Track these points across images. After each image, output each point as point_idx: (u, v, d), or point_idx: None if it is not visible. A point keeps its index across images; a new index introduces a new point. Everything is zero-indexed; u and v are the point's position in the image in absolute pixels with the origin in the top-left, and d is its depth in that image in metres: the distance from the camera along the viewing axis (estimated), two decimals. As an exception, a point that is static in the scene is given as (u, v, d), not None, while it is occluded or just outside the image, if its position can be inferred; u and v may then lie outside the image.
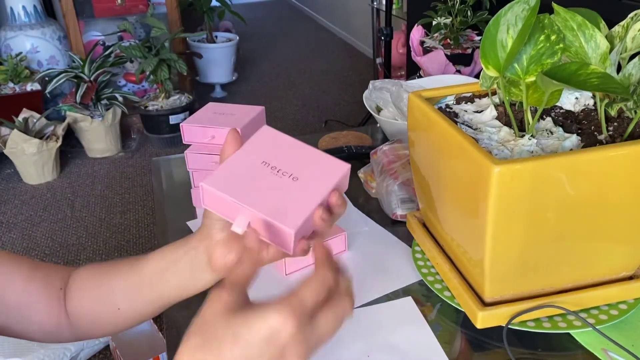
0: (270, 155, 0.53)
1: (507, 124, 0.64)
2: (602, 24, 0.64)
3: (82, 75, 2.78)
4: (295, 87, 3.92)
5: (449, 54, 1.56)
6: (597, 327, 0.63)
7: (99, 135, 2.88)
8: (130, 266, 0.58)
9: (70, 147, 2.99)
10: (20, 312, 0.58)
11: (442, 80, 1.20)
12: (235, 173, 0.51)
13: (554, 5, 0.62)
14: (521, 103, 0.63)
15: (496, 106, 0.68)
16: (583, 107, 0.67)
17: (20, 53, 2.91)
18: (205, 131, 0.92)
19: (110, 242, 2.29)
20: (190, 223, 0.92)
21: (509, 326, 0.63)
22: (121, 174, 2.83)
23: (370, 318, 0.70)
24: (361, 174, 0.99)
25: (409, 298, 0.73)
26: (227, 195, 0.49)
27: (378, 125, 1.22)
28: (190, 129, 0.93)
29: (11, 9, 3.03)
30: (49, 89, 2.74)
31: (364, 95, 1.15)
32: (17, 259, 0.60)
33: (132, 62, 3.09)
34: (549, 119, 0.65)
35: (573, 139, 0.60)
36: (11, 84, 2.80)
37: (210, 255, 0.54)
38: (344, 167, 0.54)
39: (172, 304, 0.59)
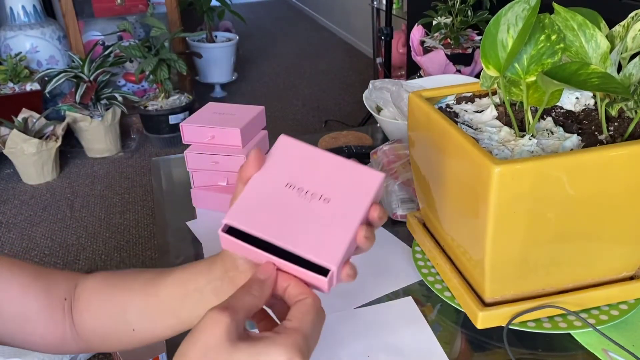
0: (294, 173, 0.46)
1: (508, 124, 0.64)
2: (603, 23, 0.64)
3: (81, 75, 2.78)
4: (295, 87, 3.92)
5: (449, 53, 1.55)
6: (597, 328, 0.63)
7: (98, 135, 2.88)
8: (144, 286, 0.56)
9: (70, 147, 2.98)
10: (18, 323, 0.55)
11: (442, 80, 1.20)
12: (258, 202, 0.44)
13: (555, 5, 0.62)
14: (521, 103, 0.63)
15: (496, 106, 0.68)
16: (583, 107, 0.67)
17: (20, 53, 2.91)
18: (205, 131, 0.92)
19: (110, 242, 2.29)
20: (189, 223, 0.92)
21: (509, 326, 0.63)
22: (121, 174, 2.82)
23: (371, 318, 0.70)
24: (361, 174, 0.99)
25: (409, 298, 0.73)
26: (253, 233, 0.43)
27: (378, 125, 1.22)
28: (190, 129, 0.92)
29: (11, 8, 3.02)
30: (48, 88, 2.74)
31: (364, 95, 1.15)
32: (17, 266, 0.56)
33: (131, 62, 3.09)
34: (549, 118, 0.65)
35: (573, 139, 0.60)
36: (11, 84, 2.80)
37: (239, 283, 0.51)
38: (379, 177, 0.47)
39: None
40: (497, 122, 0.65)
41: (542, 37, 0.59)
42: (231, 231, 0.44)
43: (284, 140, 0.48)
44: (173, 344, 0.67)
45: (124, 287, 0.57)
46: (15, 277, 0.55)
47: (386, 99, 1.10)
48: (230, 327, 0.39)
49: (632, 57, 0.61)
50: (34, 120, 2.68)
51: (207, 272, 0.53)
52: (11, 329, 0.55)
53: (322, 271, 0.42)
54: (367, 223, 0.46)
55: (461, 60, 1.59)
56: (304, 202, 0.44)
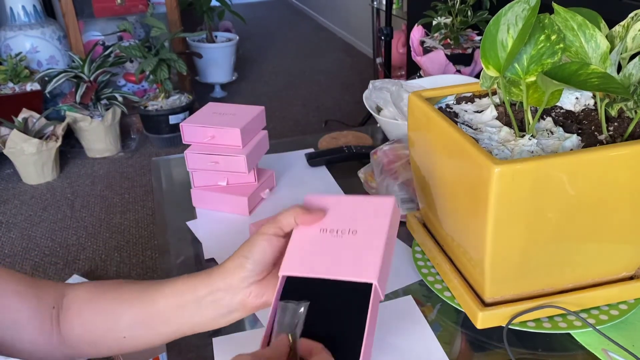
0: (324, 220, 0.57)
1: (508, 124, 0.64)
2: (603, 23, 0.64)
3: (81, 75, 2.78)
4: (295, 87, 3.92)
5: (449, 53, 1.55)
6: (597, 328, 0.63)
7: (98, 135, 2.88)
8: (139, 296, 0.57)
9: (70, 147, 2.99)
10: (10, 330, 0.56)
11: (442, 80, 1.20)
12: (302, 251, 0.55)
13: (554, 5, 0.62)
14: (521, 103, 0.63)
15: (496, 106, 0.68)
16: (583, 107, 0.67)
17: (20, 53, 2.91)
18: (205, 131, 0.92)
19: (110, 242, 2.29)
20: (190, 223, 0.92)
21: (509, 326, 0.63)
22: (121, 174, 2.83)
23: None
24: (361, 174, 0.99)
25: (409, 297, 0.73)
26: (307, 275, 0.53)
27: (378, 125, 1.22)
28: (190, 129, 0.93)
29: (11, 8, 3.02)
30: (48, 88, 2.74)
31: (364, 95, 1.15)
32: (10, 274, 0.58)
33: (131, 62, 3.09)
34: (549, 119, 0.65)
35: (573, 139, 0.60)
36: (11, 84, 2.80)
37: (244, 298, 0.55)
38: (390, 201, 0.57)
39: (186, 335, 0.59)
40: (497, 122, 0.65)
41: (542, 37, 0.59)
42: (289, 280, 0.54)
43: (309, 199, 0.60)
44: (173, 343, 0.67)
45: (117, 296, 0.58)
46: (8, 285, 0.57)
47: (386, 99, 1.10)
48: None
49: (632, 57, 0.61)
50: (34, 120, 2.68)
51: (207, 283, 0.56)
52: (2, 336, 0.56)
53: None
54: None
55: (461, 60, 1.59)
56: (337, 239, 0.55)
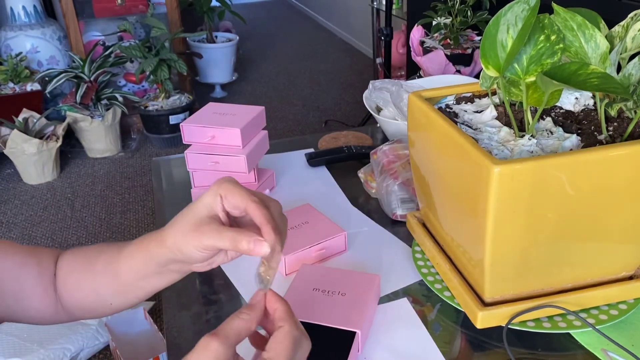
0: (317, 283, 0.70)
1: (507, 124, 0.64)
2: (602, 24, 0.64)
3: (82, 75, 2.78)
4: (295, 87, 3.92)
5: (449, 54, 1.56)
6: (597, 327, 0.63)
7: (99, 135, 2.88)
8: (106, 267, 0.58)
9: (70, 147, 2.99)
10: (16, 299, 0.58)
11: (442, 80, 1.20)
12: (297, 301, 0.66)
13: (554, 5, 0.62)
14: (521, 103, 0.63)
15: (496, 106, 0.68)
16: (583, 107, 0.67)
17: (20, 53, 2.91)
18: (205, 131, 0.92)
19: (110, 242, 2.29)
20: (190, 223, 0.92)
21: (509, 326, 0.63)
22: (121, 174, 2.83)
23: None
24: (361, 174, 0.99)
25: (405, 299, 0.73)
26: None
27: (378, 125, 1.22)
28: (190, 129, 0.93)
29: (11, 9, 3.03)
30: (49, 89, 2.74)
31: (364, 95, 1.15)
32: (10, 245, 0.60)
33: (132, 62, 3.09)
34: (549, 119, 0.65)
35: (573, 139, 0.60)
36: (11, 84, 2.80)
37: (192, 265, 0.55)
38: (376, 278, 0.71)
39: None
40: (497, 122, 0.65)
41: (542, 38, 0.59)
42: None
43: (305, 268, 0.74)
44: (173, 344, 0.67)
45: (90, 269, 0.59)
46: (10, 256, 0.59)
47: (386, 99, 1.10)
48: (219, 352, 0.41)
49: (632, 57, 0.61)
50: (35, 121, 2.68)
51: (157, 263, 0.54)
52: (9, 305, 0.58)
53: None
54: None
55: (461, 60, 1.59)
56: (328, 297, 0.68)
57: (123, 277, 0.57)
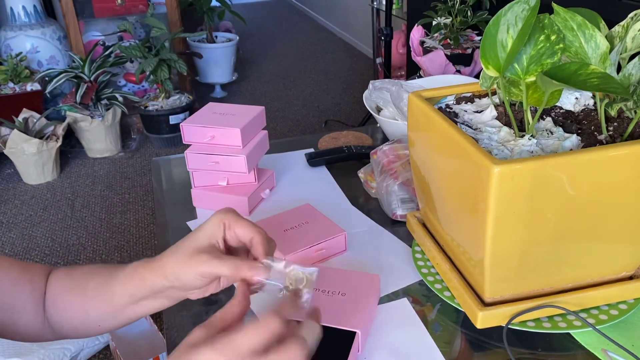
0: (317, 283, 0.67)
1: (507, 124, 0.64)
2: (602, 24, 0.64)
3: (82, 75, 2.78)
4: (295, 87, 3.92)
5: (449, 54, 1.56)
6: (597, 327, 0.63)
7: (99, 135, 2.88)
8: (97, 291, 0.58)
9: (70, 147, 2.99)
10: (6, 313, 0.58)
11: (442, 80, 1.20)
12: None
13: (554, 5, 0.62)
14: (521, 103, 0.63)
15: (496, 106, 0.68)
16: (583, 107, 0.67)
17: (20, 53, 2.91)
18: (205, 131, 0.92)
19: (110, 242, 2.29)
20: (190, 223, 0.92)
21: (509, 326, 0.63)
22: (121, 174, 2.83)
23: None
24: (361, 174, 0.99)
25: (405, 299, 0.73)
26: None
27: (378, 125, 1.22)
28: (190, 129, 0.93)
29: (11, 9, 3.03)
30: (49, 89, 2.74)
31: (364, 95, 1.15)
32: (5, 260, 0.60)
33: (132, 62, 3.09)
34: (549, 119, 0.65)
35: (573, 139, 0.60)
36: (11, 84, 2.80)
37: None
38: (376, 278, 0.72)
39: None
40: (497, 122, 0.65)
41: (542, 38, 0.59)
42: None
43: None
44: (173, 344, 0.67)
45: (81, 292, 0.60)
46: (4, 271, 0.59)
47: (386, 99, 1.10)
48: (199, 337, 0.44)
49: (632, 57, 0.61)
50: (35, 121, 2.68)
51: (151, 289, 0.56)
52: (2, 320, 0.58)
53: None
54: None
55: (461, 60, 1.59)
56: (328, 297, 0.68)
57: (115, 302, 0.58)
